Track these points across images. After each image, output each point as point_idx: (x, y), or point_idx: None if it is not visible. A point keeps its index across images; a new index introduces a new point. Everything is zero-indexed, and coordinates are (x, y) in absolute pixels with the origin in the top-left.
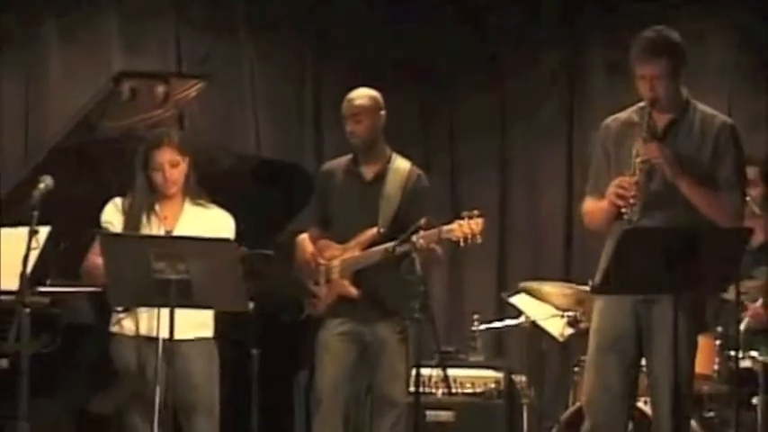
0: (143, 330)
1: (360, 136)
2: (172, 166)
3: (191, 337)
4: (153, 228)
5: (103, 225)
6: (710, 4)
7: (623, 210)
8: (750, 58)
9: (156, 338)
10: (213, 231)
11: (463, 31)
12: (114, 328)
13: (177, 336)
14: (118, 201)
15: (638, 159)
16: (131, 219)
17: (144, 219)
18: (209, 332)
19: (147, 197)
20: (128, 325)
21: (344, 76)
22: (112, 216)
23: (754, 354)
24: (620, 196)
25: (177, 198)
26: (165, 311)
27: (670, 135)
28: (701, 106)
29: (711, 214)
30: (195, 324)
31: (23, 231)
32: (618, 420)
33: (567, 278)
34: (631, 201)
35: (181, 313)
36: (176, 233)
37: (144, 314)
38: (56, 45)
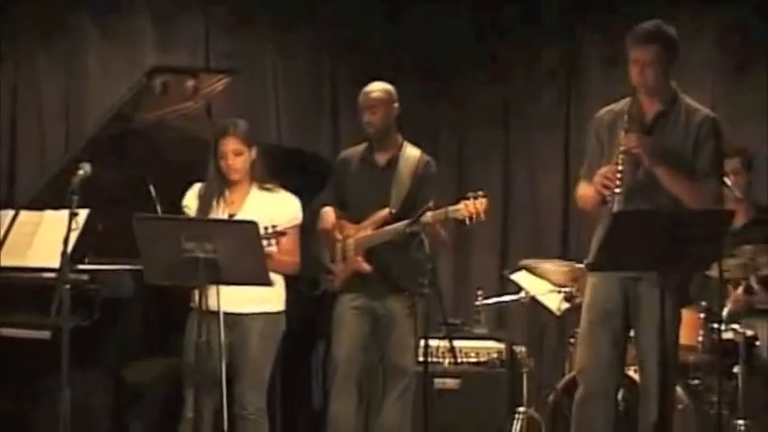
0: (210, 305)
1: (375, 125)
2: (235, 154)
3: (252, 311)
4: (219, 211)
5: (183, 209)
6: (698, 3)
7: (607, 198)
8: (732, 57)
9: (219, 312)
10: (278, 213)
11: (467, 31)
12: (193, 304)
13: (239, 310)
14: (197, 186)
15: (620, 150)
16: (203, 203)
17: (214, 203)
18: (272, 307)
19: (218, 183)
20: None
21: (358, 72)
22: (191, 201)
23: (735, 326)
24: (604, 186)
25: (244, 183)
26: (225, 288)
27: (657, 126)
28: (688, 100)
29: (690, 202)
30: (257, 299)
31: (64, 214)
32: (608, 387)
33: (564, 257)
34: (616, 190)
35: (243, 288)
36: (239, 216)
37: (212, 289)
38: (94, 43)
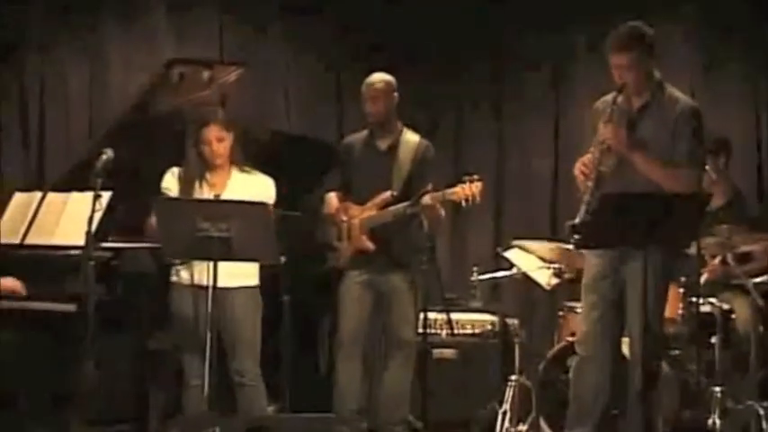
0: (196, 280)
1: (377, 114)
2: (218, 140)
3: (236, 285)
4: (204, 192)
5: (163, 191)
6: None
7: (581, 187)
8: (710, 49)
9: (207, 287)
10: (257, 194)
11: (465, 25)
12: (173, 278)
13: (225, 284)
14: (175, 170)
15: (598, 140)
16: (185, 185)
17: (197, 185)
18: (253, 281)
19: (197, 167)
20: (184, 275)
21: (362, 63)
22: (170, 183)
23: (712, 300)
24: (582, 172)
25: (225, 166)
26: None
27: (642, 117)
28: (671, 89)
29: (668, 186)
30: (240, 275)
31: (89, 195)
32: (602, 355)
33: (553, 235)
34: (590, 176)
35: (228, 265)
36: (224, 197)
37: (198, 265)
38: (115, 36)
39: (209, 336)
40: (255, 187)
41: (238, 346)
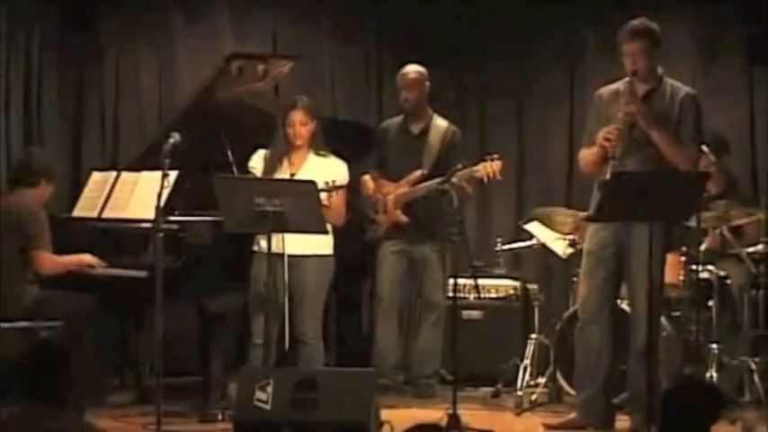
0: (273, 248)
1: (410, 101)
2: (301, 124)
3: (309, 253)
4: (282, 171)
5: (249, 170)
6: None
7: (608, 150)
8: (710, 45)
9: (282, 254)
10: (329, 175)
11: (489, 22)
12: (255, 248)
13: (299, 252)
14: (262, 152)
15: (622, 113)
16: (269, 164)
17: (278, 164)
18: (324, 250)
19: (284, 148)
20: (264, 244)
21: (399, 57)
22: (256, 163)
23: (710, 267)
24: (606, 139)
25: (304, 149)
26: (288, 235)
27: (648, 101)
28: (671, 80)
29: (674, 159)
30: (313, 243)
31: (158, 174)
32: (603, 316)
33: (568, 209)
34: (614, 143)
35: (302, 235)
36: (299, 176)
37: (276, 236)
38: (182, 34)
39: (286, 298)
40: (329, 169)
41: (303, 308)
